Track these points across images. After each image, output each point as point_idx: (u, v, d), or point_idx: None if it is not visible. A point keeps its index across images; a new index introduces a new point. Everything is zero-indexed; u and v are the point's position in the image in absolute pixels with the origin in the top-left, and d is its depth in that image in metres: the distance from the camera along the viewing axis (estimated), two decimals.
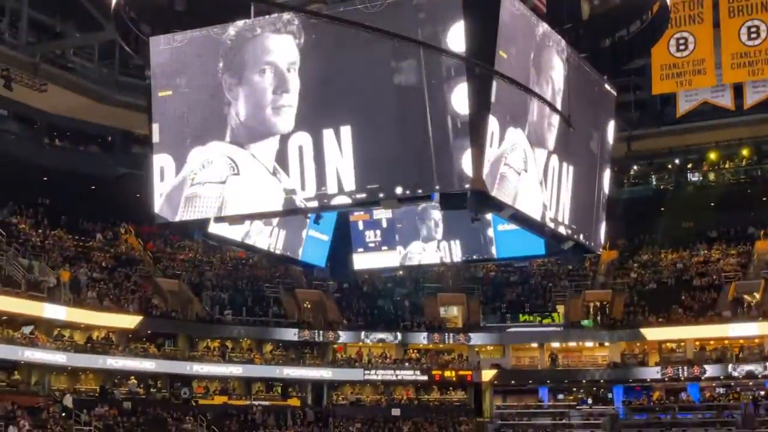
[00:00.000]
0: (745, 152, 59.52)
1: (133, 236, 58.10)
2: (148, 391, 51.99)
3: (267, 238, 13.29)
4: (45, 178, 52.98)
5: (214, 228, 12.05)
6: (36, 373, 47.99)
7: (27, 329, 47.84)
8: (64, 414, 44.75)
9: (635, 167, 61.13)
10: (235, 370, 54.87)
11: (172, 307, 54.46)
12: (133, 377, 51.44)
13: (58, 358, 47.80)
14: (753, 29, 40.27)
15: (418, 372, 57.87)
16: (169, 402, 51.97)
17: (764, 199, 57.83)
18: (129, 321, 51.24)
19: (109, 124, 53.58)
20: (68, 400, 45.87)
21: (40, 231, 53.87)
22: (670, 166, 61.11)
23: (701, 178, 60.59)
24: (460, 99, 9.62)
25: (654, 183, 61.01)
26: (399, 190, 9.99)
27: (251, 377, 55.78)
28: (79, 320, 49.49)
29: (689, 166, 60.82)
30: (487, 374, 57.75)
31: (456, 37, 9.62)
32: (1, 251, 48.80)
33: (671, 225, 61.14)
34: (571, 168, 11.81)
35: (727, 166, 60.15)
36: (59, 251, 52.85)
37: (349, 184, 10.10)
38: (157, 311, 53.23)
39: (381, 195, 10.12)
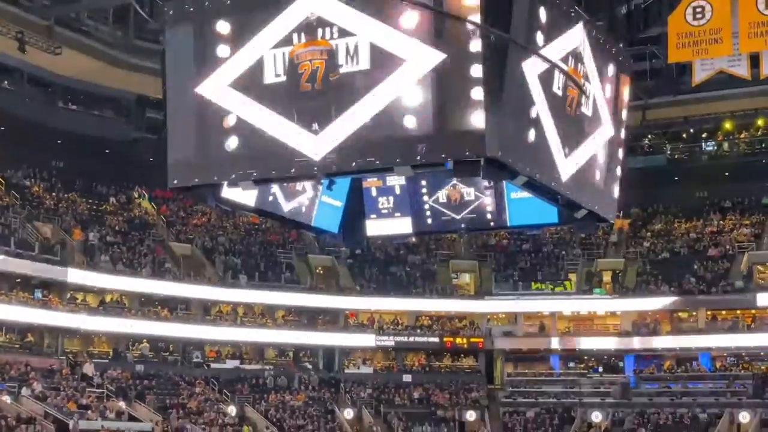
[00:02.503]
0: (760, 122, 59.17)
1: (147, 200, 58.30)
2: (161, 355, 52.33)
3: (280, 203, 13.28)
4: (59, 141, 53.09)
5: (227, 193, 12.02)
6: (49, 336, 48.36)
7: (40, 292, 48.15)
8: (82, 380, 45.08)
9: (650, 136, 60.86)
10: (247, 334, 55.15)
11: (184, 271, 54.72)
12: (145, 341, 51.76)
13: (71, 320, 48.12)
14: None
15: (429, 338, 58.08)
16: (182, 365, 52.34)
17: None
18: (142, 285, 51.53)
19: (124, 87, 53.54)
20: (88, 369, 46.12)
21: (53, 194, 54.10)
22: (684, 136, 60.82)
23: (715, 147, 60.31)
24: (475, 64, 9.59)
25: (668, 152, 60.75)
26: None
27: (263, 342, 56.08)
28: (92, 283, 49.78)
29: (704, 135, 60.54)
30: (499, 342, 57.90)
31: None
32: (15, 214, 49.04)
33: (685, 194, 61.01)
34: (585, 136, 11.77)
35: (741, 136, 59.83)
36: (73, 214, 53.08)
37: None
38: (169, 275, 53.51)
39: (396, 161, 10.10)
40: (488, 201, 13.57)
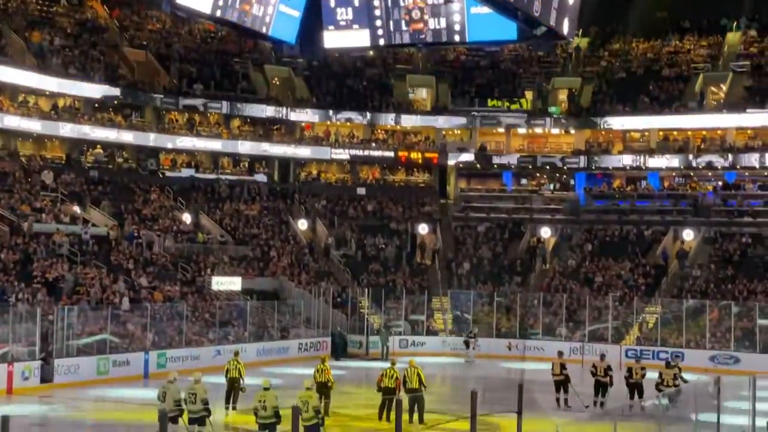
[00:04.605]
0: None
1: (99, 2, 56.84)
2: (115, 162, 52.24)
3: (236, 11, 13.08)
4: None
5: None
6: (1, 138, 47.98)
7: None
8: (36, 184, 44.94)
9: None
10: (202, 144, 55.07)
11: (138, 78, 54.06)
12: (99, 147, 51.56)
13: (24, 124, 47.69)
14: None
15: (384, 152, 58.41)
16: (136, 172, 52.37)
17: None
18: (95, 90, 50.87)
19: None
20: (47, 177, 45.82)
21: None
22: None
23: None
24: None
25: None
26: None
27: (218, 152, 56.07)
28: (44, 87, 49.01)
29: None
30: (453, 157, 58.41)
31: None
32: None
33: (644, 14, 60.59)
34: None
35: None
36: (23, 15, 51.74)
37: None
38: (123, 81, 52.86)
39: None
40: (447, 15, 13.46)
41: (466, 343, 41.86)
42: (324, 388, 24.04)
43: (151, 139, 52.98)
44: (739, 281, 45.51)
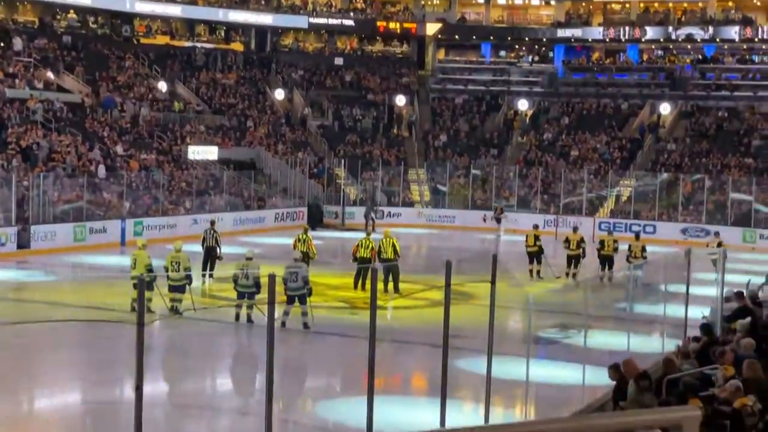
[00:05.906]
0: None
1: None
2: (89, 27, 51.28)
3: None
4: None
5: None
6: None
7: None
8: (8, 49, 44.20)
9: None
10: (177, 10, 54.07)
11: None
12: (72, 11, 50.50)
13: None
14: None
15: (362, 22, 57.64)
16: (111, 39, 51.49)
17: None
18: None
19: None
20: (18, 43, 44.85)
21: None
22: None
23: None
24: None
25: None
26: None
27: (194, 19, 55.14)
28: None
29: None
30: (432, 28, 57.75)
31: None
32: None
33: None
34: None
35: None
36: None
37: None
38: None
39: None
40: None
41: (498, 219, 41.31)
42: (306, 258, 24.20)
43: (125, 4, 51.87)
44: (714, 155, 45.79)
